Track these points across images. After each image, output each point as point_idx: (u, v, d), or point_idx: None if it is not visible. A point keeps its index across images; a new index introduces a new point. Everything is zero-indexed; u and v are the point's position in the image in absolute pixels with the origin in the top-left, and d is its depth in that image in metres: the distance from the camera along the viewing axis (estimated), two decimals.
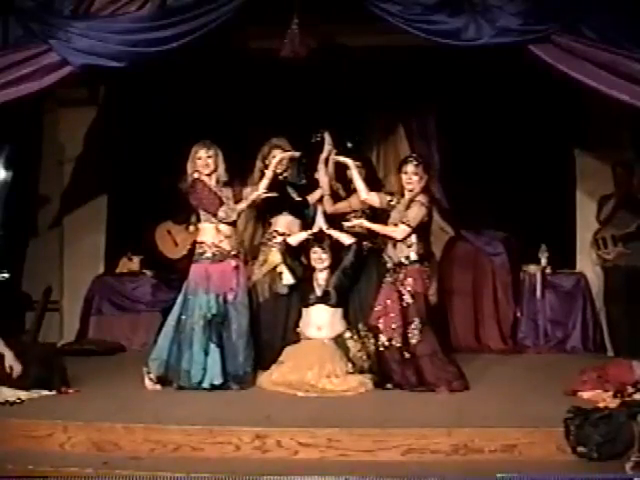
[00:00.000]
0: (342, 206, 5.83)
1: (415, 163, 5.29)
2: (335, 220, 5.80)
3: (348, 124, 6.77)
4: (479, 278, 7.07)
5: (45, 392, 4.99)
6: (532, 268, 6.99)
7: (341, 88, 6.84)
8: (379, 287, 5.34)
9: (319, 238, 5.54)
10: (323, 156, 5.79)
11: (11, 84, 5.10)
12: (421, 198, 5.22)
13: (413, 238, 5.20)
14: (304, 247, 5.63)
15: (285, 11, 5.40)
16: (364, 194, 5.47)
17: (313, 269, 5.54)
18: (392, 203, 5.34)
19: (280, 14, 5.41)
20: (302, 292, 5.53)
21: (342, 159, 5.62)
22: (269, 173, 5.44)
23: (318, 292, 5.47)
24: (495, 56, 5.26)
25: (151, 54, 5.23)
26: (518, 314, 6.97)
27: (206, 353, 5.16)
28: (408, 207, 5.21)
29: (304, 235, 5.61)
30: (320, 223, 5.61)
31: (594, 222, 6.74)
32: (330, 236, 5.54)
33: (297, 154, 5.63)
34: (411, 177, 5.25)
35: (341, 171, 5.84)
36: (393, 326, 5.15)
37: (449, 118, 7.14)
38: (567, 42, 4.90)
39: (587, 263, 6.91)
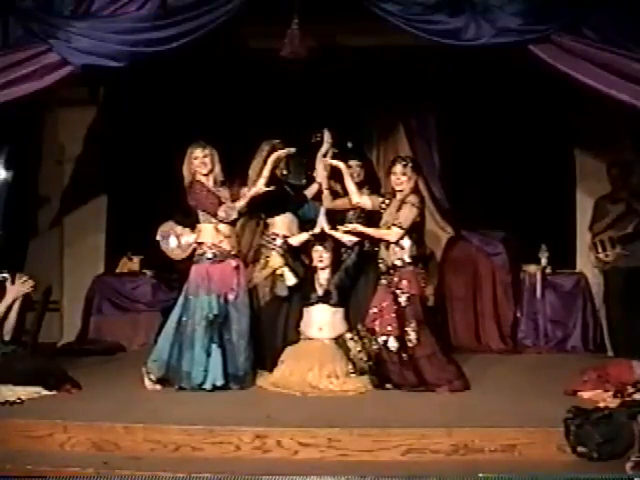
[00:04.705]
0: (341, 203, 5.82)
1: (403, 163, 5.29)
2: (335, 219, 5.79)
3: (348, 124, 6.78)
4: (479, 278, 7.07)
5: (45, 392, 4.99)
6: (532, 268, 7.00)
7: (341, 88, 6.85)
8: (376, 288, 5.34)
9: (321, 237, 5.55)
10: (321, 152, 5.79)
11: (11, 84, 5.10)
12: (412, 199, 5.21)
13: (406, 240, 5.19)
14: (304, 247, 5.63)
15: (285, 11, 5.40)
16: (356, 198, 5.46)
17: (314, 269, 5.54)
18: (384, 205, 5.33)
19: (280, 14, 5.41)
20: (303, 292, 5.53)
21: (335, 162, 5.62)
22: (266, 172, 5.43)
23: (319, 292, 5.47)
24: (495, 56, 5.26)
25: (151, 54, 5.23)
26: (518, 314, 6.97)
27: (208, 354, 5.15)
28: (399, 209, 5.21)
29: (306, 236, 5.60)
30: (322, 223, 5.61)
31: None
32: (332, 236, 5.54)
33: (292, 150, 5.62)
34: (399, 177, 5.24)
35: (339, 171, 5.84)
36: (389, 328, 5.15)
37: (449, 118, 7.14)
38: (567, 42, 4.90)
39: (587, 263, 6.90)
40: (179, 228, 6.60)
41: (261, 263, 5.66)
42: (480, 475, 3.74)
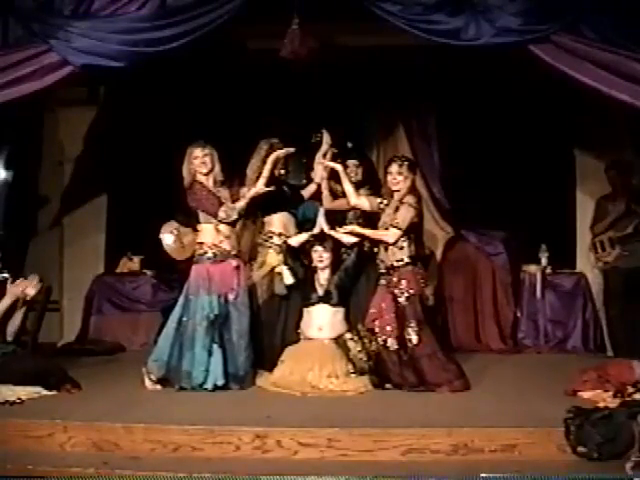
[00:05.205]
0: (340, 203, 5.82)
1: (399, 163, 5.28)
2: (335, 220, 5.80)
3: (348, 124, 6.78)
4: (479, 278, 7.07)
5: (45, 392, 4.99)
6: (532, 268, 7.00)
7: (341, 88, 6.85)
8: (376, 289, 5.33)
9: (320, 237, 5.55)
10: (321, 152, 5.79)
11: (11, 84, 5.11)
12: (409, 199, 5.20)
13: (404, 240, 5.19)
14: (304, 247, 5.63)
15: (285, 11, 5.40)
16: (353, 199, 5.46)
17: (314, 270, 5.54)
18: (382, 206, 5.33)
19: (280, 14, 5.41)
20: (303, 292, 5.53)
21: (332, 164, 5.62)
22: (266, 172, 5.43)
23: (320, 292, 5.47)
24: (495, 56, 5.26)
25: (151, 54, 5.24)
26: (518, 314, 6.98)
27: (209, 354, 5.15)
28: (397, 209, 5.20)
29: (305, 236, 5.60)
30: (322, 224, 5.61)
31: None
32: (332, 236, 5.54)
33: (291, 150, 5.63)
34: (396, 177, 5.23)
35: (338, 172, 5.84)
36: (388, 328, 5.15)
37: (449, 118, 7.14)
38: (567, 42, 4.91)
39: (587, 263, 6.91)
40: (181, 228, 6.62)
41: (258, 262, 5.67)
42: (483, 475, 3.74)
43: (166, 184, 5.88)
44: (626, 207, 6.42)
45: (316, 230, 5.61)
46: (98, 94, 7.47)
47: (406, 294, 5.14)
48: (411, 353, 5.09)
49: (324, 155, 5.78)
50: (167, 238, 6.06)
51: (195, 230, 5.59)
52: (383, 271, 5.26)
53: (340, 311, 5.46)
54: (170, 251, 6.68)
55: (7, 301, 5.33)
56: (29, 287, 5.40)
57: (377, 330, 5.20)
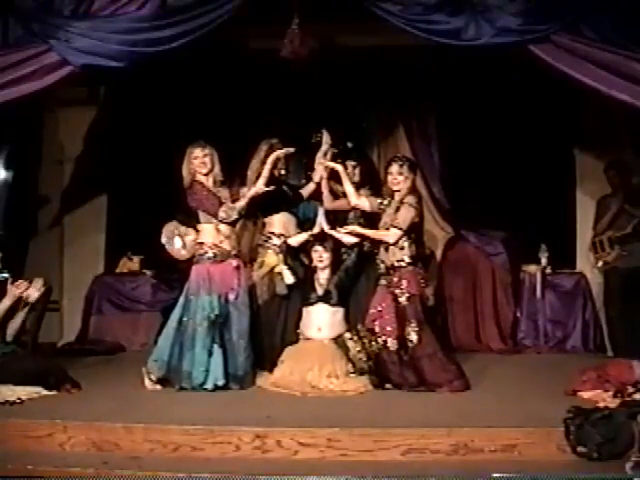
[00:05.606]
0: (341, 203, 5.82)
1: (400, 163, 5.28)
2: (337, 220, 5.80)
3: (348, 124, 6.79)
4: (479, 278, 7.08)
5: (45, 392, 4.99)
6: (532, 268, 7.00)
7: (341, 88, 6.85)
8: (376, 289, 5.33)
9: (320, 237, 5.55)
10: (321, 152, 5.78)
11: (11, 84, 5.11)
12: (410, 200, 5.21)
13: (404, 240, 5.19)
14: (304, 247, 5.63)
15: (285, 11, 5.40)
16: (354, 199, 5.46)
17: (314, 270, 5.54)
18: (382, 207, 5.33)
19: (280, 14, 5.41)
20: (303, 292, 5.53)
21: (332, 165, 5.62)
22: (266, 172, 5.44)
23: (319, 291, 5.47)
24: (495, 56, 5.26)
25: (151, 54, 5.24)
26: (518, 314, 6.98)
27: (209, 354, 5.16)
28: (397, 209, 5.21)
29: (305, 236, 5.61)
30: (322, 224, 5.61)
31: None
32: (332, 236, 5.54)
33: (291, 150, 5.63)
34: (396, 177, 5.24)
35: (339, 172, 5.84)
36: (389, 328, 5.15)
37: (449, 118, 7.14)
38: (567, 42, 4.91)
39: (587, 263, 6.91)
40: (183, 228, 6.61)
41: (258, 262, 5.67)
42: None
43: (166, 184, 5.87)
44: (623, 203, 6.43)
45: (316, 230, 5.61)
46: (98, 94, 7.47)
47: (407, 294, 5.14)
48: (411, 353, 5.09)
49: (324, 155, 5.78)
50: (176, 242, 6.02)
51: (196, 230, 5.58)
52: (383, 271, 5.26)
53: (339, 311, 5.46)
54: (174, 253, 6.69)
55: (7, 302, 5.33)
56: (32, 290, 5.40)
57: (377, 330, 5.20)
